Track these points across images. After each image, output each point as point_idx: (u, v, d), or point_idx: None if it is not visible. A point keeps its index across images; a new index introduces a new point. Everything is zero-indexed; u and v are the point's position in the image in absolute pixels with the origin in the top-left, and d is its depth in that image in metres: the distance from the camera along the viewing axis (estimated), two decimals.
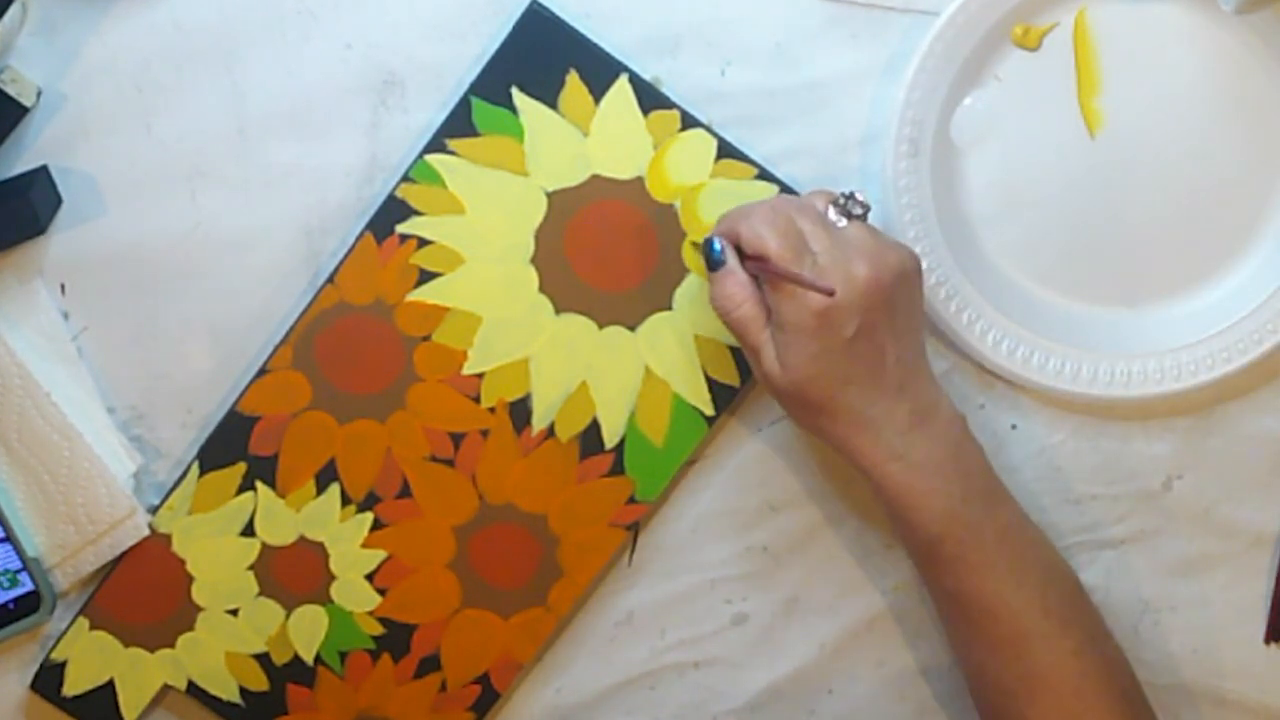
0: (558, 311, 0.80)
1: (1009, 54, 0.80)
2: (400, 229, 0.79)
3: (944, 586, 0.75)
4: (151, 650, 0.81)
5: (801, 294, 0.71)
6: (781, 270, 0.71)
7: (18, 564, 0.79)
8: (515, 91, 0.79)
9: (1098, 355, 0.81)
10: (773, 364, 0.73)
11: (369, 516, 0.81)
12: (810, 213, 0.74)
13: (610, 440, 0.81)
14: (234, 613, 0.81)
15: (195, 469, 0.80)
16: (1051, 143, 0.80)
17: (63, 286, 0.80)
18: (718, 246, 0.74)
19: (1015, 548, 0.74)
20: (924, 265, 0.79)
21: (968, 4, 0.78)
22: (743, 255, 0.74)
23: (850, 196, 0.75)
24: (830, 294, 0.70)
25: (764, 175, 0.79)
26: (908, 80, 0.78)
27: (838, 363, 0.72)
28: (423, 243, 0.79)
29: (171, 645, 0.81)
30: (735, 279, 0.74)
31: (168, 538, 0.81)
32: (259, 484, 0.80)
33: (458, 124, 0.79)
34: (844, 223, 0.74)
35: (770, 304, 0.73)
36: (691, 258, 0.80)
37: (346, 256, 0.79)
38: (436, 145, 0.79)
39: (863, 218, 0.75)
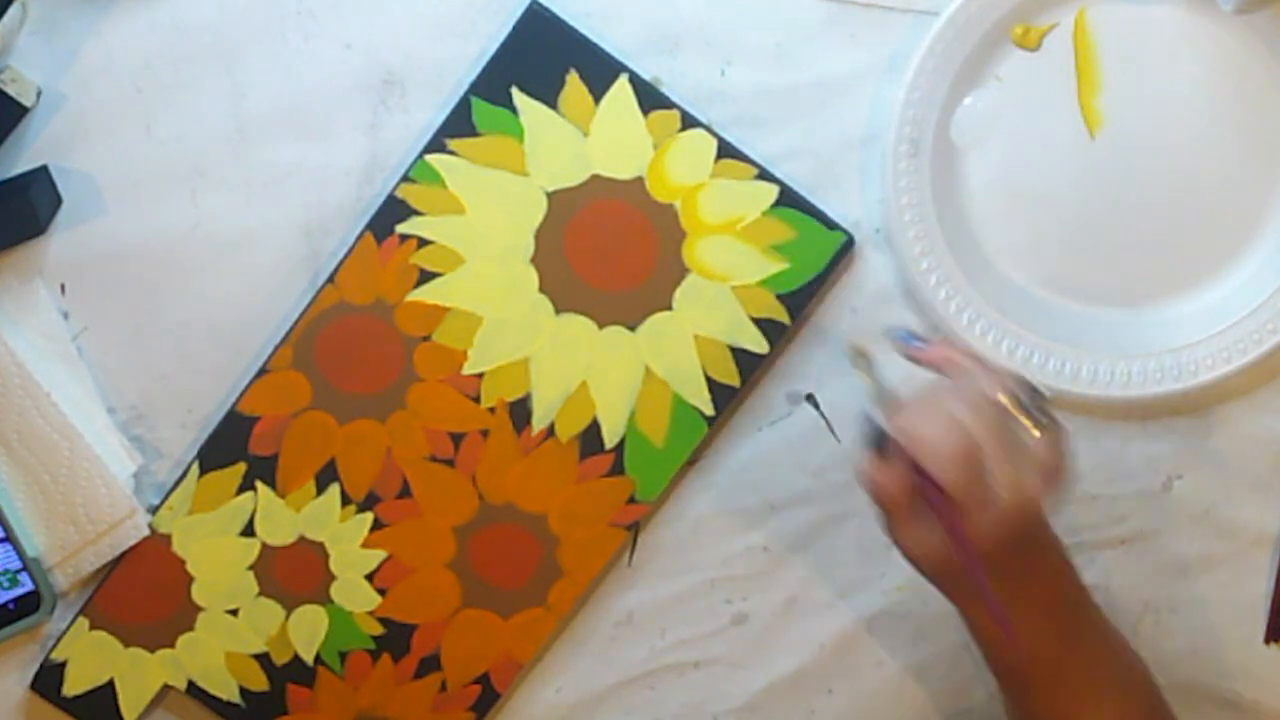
0: (558, 311, 0.80)
1: (1009, 54, 0.80)
2: (400, 229, 0.79)
3: (1024, 706, 0.73)
4: (151, 650, 0.81)
5: (977, 511, 0.67)
6: (955, 532, 0.68)
7: (18, 564, 0.79)
8: (515, 91, 0.79)
9: (1098, 355, 0.81)
10: (915, 545, 0.70)
11: (369, 516, 0.81)
12: (987, 412, 0.68)
13: (610, 440, 0.81)
14: (234, 613, 0.81)
15: (195, 469, 0.80)
16: (1052, 143, 0.80)
17: (63, 286, 0.80)
18: (878, 433, 0.70)
19: (1098, 672, 0.72)
20: (924, 265, 0.80)
21: (968, 4, 0.78)
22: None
23: (1036, 395, 0.70)
24: (1011, 636, 0.69)
25: (764, 175, 0.79)
26: (908, 80, 0.78)
27: (998, 560, 0.69)
28: (423, 243, 0.79)
29: (171, 645, 0.81)
30: (893, 472, 0.69)
31: (168, 538, 0.81)
32: (259, 484, 0.80)
33: (458, 124, 0.79)
34: (1027, 431, 0.69)
35: (927, 509, 0.69)
36: (692, 257, 0.80)
37: (346, 256, 0.79)
38: (436, 145, 0.79)
39: (1049, 427, 0.69)
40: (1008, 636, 0.69)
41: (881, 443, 0.70)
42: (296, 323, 0.80)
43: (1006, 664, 0.73)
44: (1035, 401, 0.70)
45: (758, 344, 0.80)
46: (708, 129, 0.79)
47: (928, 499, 0.69)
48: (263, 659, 0.82)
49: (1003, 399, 0.70)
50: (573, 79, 0.79)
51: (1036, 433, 0.69)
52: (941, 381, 0.72)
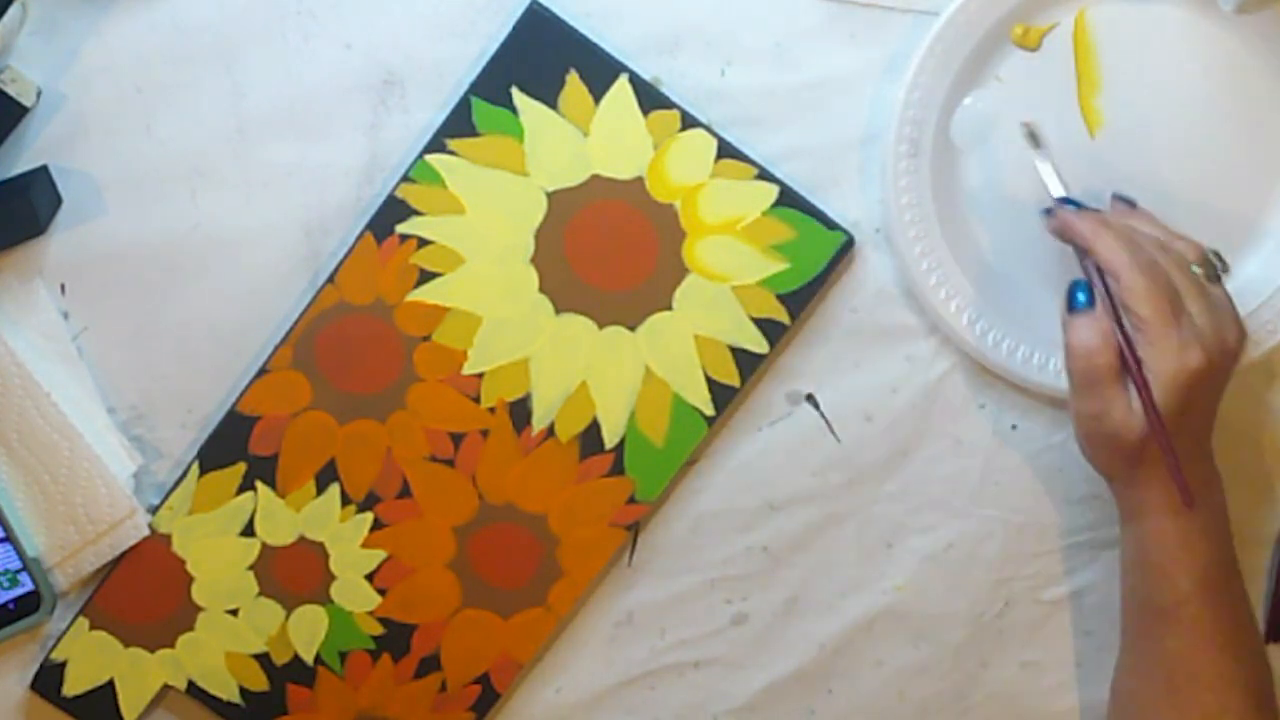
0: (558, 311, 0.80)
1: (1009, 54, 0.80)
2: (400, 229, 0.79)
3: (1166, 646, 0.74)
4: (151, 650, 0.81)
5: (1182, 350, 0.70)
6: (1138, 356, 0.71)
7: (18, 564, 0.79)
8: (515, 91, 0.79)
9: None
10: (1126, 415, 0.71)
11: (369, 516, 0.81)
12: (1183, 267, 0.73)
13: (610, 440, 0.81)
14: (234, 613, 0.81)
15: (195, 469, 0.80)
16: (1052, 142, 0.80)
17: (63, 286, 0.80)
18: (1084, 290, 0.73)
19: (1242, 626, 0.75)
20: (924, 265, 0.80)
21: (968, 4, 0.78)
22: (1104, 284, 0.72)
23: (1218, 255, 0.74)
24: (1189, 499, 0.71)
25: (764, 175, 0.79)
26: (908, 80, 0.78)
27: (1185, 421, 0.71)
28: (423, 243, 0.79)
29: (171, 645, 0.81)
30: (1099, 326, 0.72)
31: (168, 538, 0.81)
32: (259, 484, 0.80)
33: (458, 124, 0.79)
34: (1207, 282, 0.73)
35: (1141, 353, 0.71)
36: (692, 257, 0.80)
37: (346, 256, 0.79)
38: (436, 145, 0.79)
39: (1220, 280, 0.74)
40: (1186, 503, 0.70)
41: (1079, 306, 0.72)
42: (296, 323, 0.80)
43: (1176, 592, 0.73)
44: (1220, 270, 0.74)
45: (758, 344, 0.80)
46: (708, 129, 0.79)
47: (1122, 352, 0.71)
48: (263, 659, 0.82)
49: (1187, 254, 0.73)
50: (573, 79, 0.79)
51: (1206, 280, 0.73)
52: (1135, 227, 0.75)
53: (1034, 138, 0.77)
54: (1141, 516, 0.74)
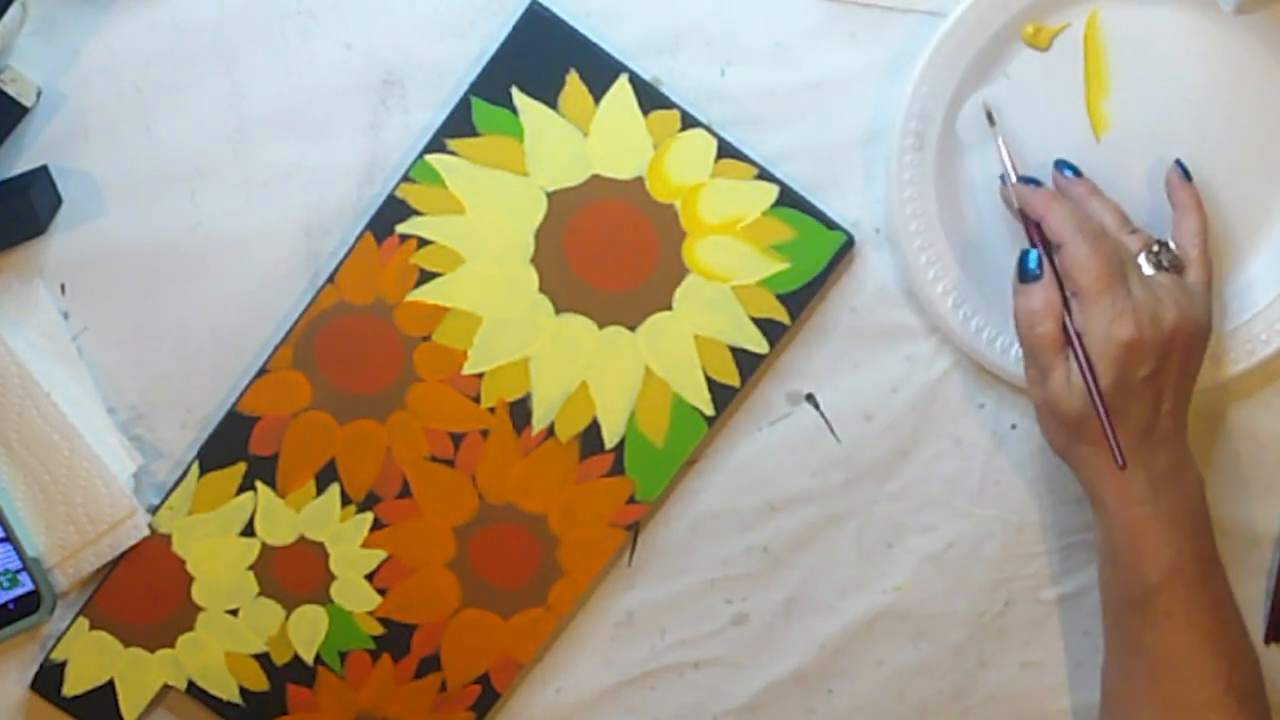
0: (558, 311, 0.80)
1: (1019, 52, 0.80)
2: (400, 229, 0.79)
3: (1142, 640, 0.74)
4: (151, 650, 0.81)
5: (1114, 319, 0.71)
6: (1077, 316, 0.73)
7: (18, 564, 0.79)
8: (515, 91, 0.79)
9: None
10: (1062, 386, 0.73)
11: (369, 516, 0.81)
12: (1127, 253, 0.75)
13: (610, 440, 0.81)
14: (234, 613, 0.81)
15: (195, 469, 0.80)
16: (1057, 143, 0.80)
17: (63, 286, 0.80)
18: (1035, 259, 0.75)
19: (1221, 616, 0.75)
20: (923, 260, 0.80)
21: (979, 2, 0.78)
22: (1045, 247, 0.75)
23: (1164, 246, 0.75)
24: (1121, 458, 0.72)
25: (764, 175, 0.79)
26: (917, 74, 0.78)
27: (1122, 398, 0.72)
28: (423, 243, 0.79)
29: (171, 645, 0.81)
30: (1047, 295, 0.74)
31: (168, 538, 0.81)
32: (259, 484, 0.80)
33: (458, 124, 0.79)
34: (1151, 272, 0.75)
35: (1076, 321, 0.73)
36: (692, 257, 0.80)
37: (346, 256, 0.79)
38: (436, 145, 0.79)
39: (1173, 273, 0.75)
40: (1120, 463, 0.71)
41: (1029, 274, 0.74)
42: (296, 323, 0.80)
43: (1145, 584, 0.73)
44: (1168, 262, 0.75)
45: (758, 344, 0.80)
46: (708, 129, 0.79)
47: (1068, 321, 0.73)
48: (263, 659, 0.82)
49: (1131, 245, 0.75)
50: (573, 79, 0.79)
51: (1151, 270, 0.75)
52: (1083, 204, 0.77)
53: (990, 116, 0.79)
54: (1104, 505, 0.74)
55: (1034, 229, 0.76)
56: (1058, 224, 0.74)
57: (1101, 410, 0.72)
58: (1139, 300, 0.72)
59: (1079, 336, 0.73)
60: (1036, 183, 0.77)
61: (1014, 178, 0.78)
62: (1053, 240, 0.74)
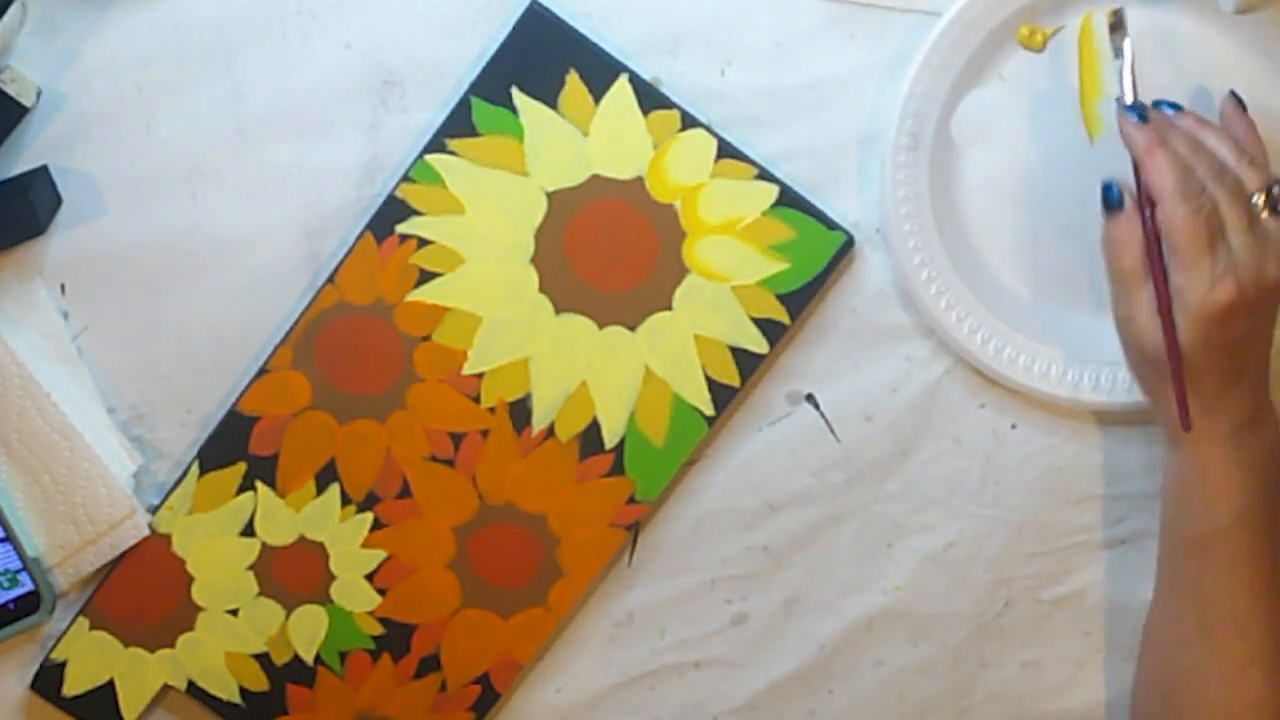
0: (558, 311, 0.80)
1: (1013, 53, 0.80)
2: (400, 229, 0.79)
3: (1200, 586, 0.73)
4: (151, 650, 0.81)
5: (1214, 283, 0.69)
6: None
7: (18, 564, 0.79)
8: (515, 91, 0.79)
9: (1097, 362, 0.80)
10: (1146, 321, 0.72)
11: (369, 516, 0.81)
12: (1239, 198, 0.71)
13: (610, 440, 0.81)
14: (234, 613, 0.81)
15: (195, 469, 0.80)
16: (1051, 145, 0.80)
17: (63, 286, 0.80)
18: (1115, 191, 0.73)
19: None
20: (917, 261, 0.79)
21: (974, 2, 0.78)
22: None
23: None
24: (1186, 423, 0.71)
25: (764, 175, 0.79)
26: (911, 74, 0.78)
27: (1211, 354, 0.71)
28: (423, 243, 0.79)
29: (171, 645, 0.81)
30: (1128, 228, 0.72)
31: (168, 538, 0.81)
32: (259, 484, 0.80)
33: (458, 124, 0.79)
34: (1266, 214, 0.72)
35: (1173, 279, 0.71)
36: (692, 257, 0.80)
37: (346, 256, 0.79)
38: (436, 145, 0.79)
39: None
40: (1184, 426, 0.70)
41: (1111, 205, 0.73)
42: (296, 323, 0.80)
43: (1213, 527, 0.72)
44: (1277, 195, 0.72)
45: (758, 344, 0.80)
46: (708, 129, 0.79)
47: (1150, 260, 0.71)
48: (263, 659, 0.82)
49: (1248, 184, 0.72)
50: (573, 79, 0.79)
51: (1266, 213, 0.72)
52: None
53: (1117, 25, 0.75)
54: (1180, 443, 0.73)
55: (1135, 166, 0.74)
56: (1153, 178, 0.71)
57: (1176, 370, 0.70)
58: (1240, 259, 0.70)
59: (1165, 279, 0.71)
60: (1144, 116, 0.74)
61: (1130, 98, 0.74)
62: (1150, 193, 0.72)
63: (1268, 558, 0.73)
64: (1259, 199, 0.72)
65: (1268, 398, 0.74)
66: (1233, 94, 0.76)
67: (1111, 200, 0.73)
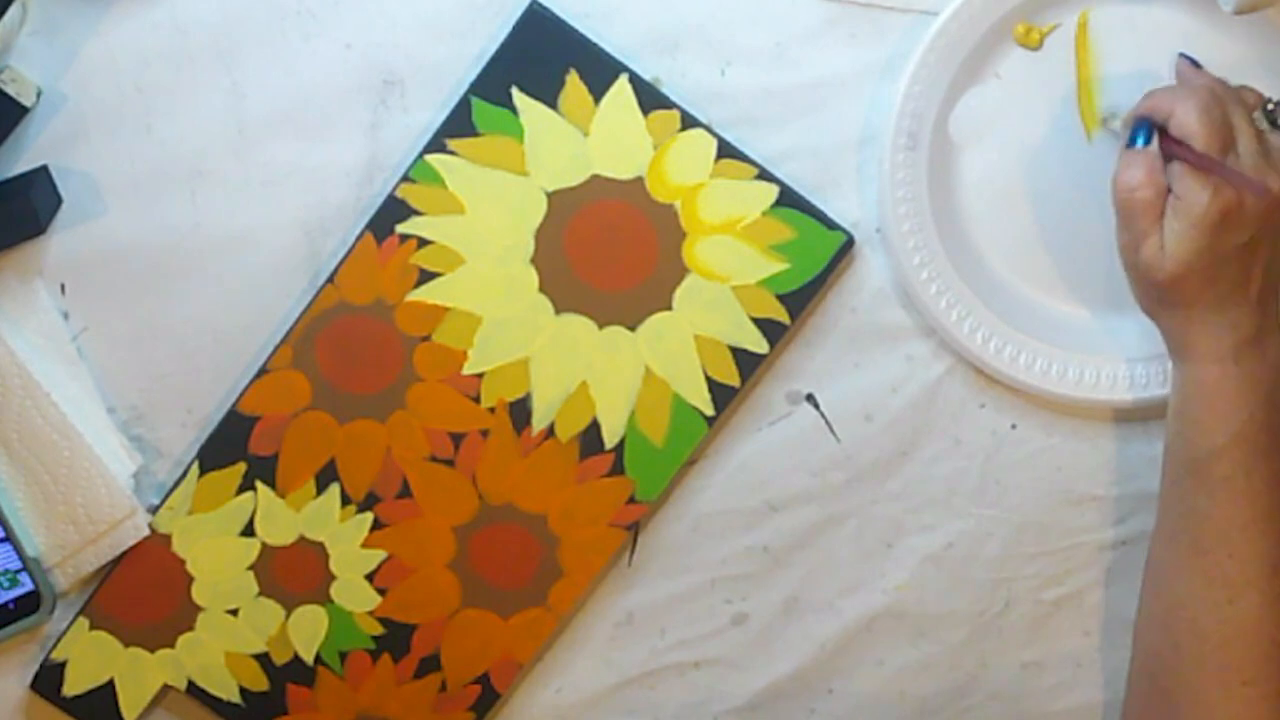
0: (558, 311, 0.80)
1: (1010, 52, 0.80)
2: (400, 229, 0.79)
3: (1195, 506, 0.73)
4: (151, 650, 0.81)
5: (1212, 188, 0.71)
6: (1211, 163, 0.71)
7: (18, 564, 0.79)
8: (515, 91, 0.79)
9: (1097, 359, 0.80)
10: (1156, 253, 0.72)
11: (369, 516, 0.81)
12: (1242, 110, 0.73)
13: (610, 440, 0.81)
14: (234, 613, 0.81)
15: (195, 469, 0.80)
16: (1049, 143, 0.80)
17: (63, 286, 0.80)
18: (1146, 130, 0.74)
19: (1278, 493, 0.73)
20: (917, 261, 0.79)
21: (971, 1, 0.78)
22: (1160, 132, 0.74)
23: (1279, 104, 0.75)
24: (1261, 192, 0.71)
25: (764, 175, 0.79)
26: (909, 73, 0.78)
27: (1218, 262, 0.72)
28: (423, 243, 0.79)
29: (171, 645, 0.81)
30: (1151, 161, 0.73)
31: (168, 538, 0.81)
32: (259, 484, 0.80)
33: (458, 124, 0.79)
34: (1268, 128, 0.74)
35: (1176, 189, 0.72)
36: (692, 257, 0.80)
37: (346, 256, 0.79)
38: (436, 145, 0.79)
39: None
40: (1256, 189, 0.71)
41: (1136, 142, 0.74)
42: (296, 323, 0.80)
43: (1210, 444, 0.72)
44: (1277, 110, 0.74)
45: (758, 344, 0.80)
46: (708, 129, 0.79)
47: (1183, 167, 0.71)
48: (263, 659, 0.82)
49: (1247, 99, 0.74)
50: (573, 79, 0.79)
51: (1267, 126, 0.74)
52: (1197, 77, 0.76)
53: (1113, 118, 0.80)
54: (1185, 359, 0.74)
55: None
56: (1164, 97, 0.73)
57: (1216, 165, 0.71)
58: (1245, 166, 0.71)
59: (1216, 162, 0.72)
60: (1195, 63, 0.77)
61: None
62: (1163, 114, 0.73)
63: (1264, 476, 0.73)
64: (1260, 115, 0.74)
65: (1273, 318, 0.74)
66: (1183, 55, 0.78)
67: (1137, 138, 0.74)
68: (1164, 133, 0.73)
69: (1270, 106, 0.75)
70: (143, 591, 0.81)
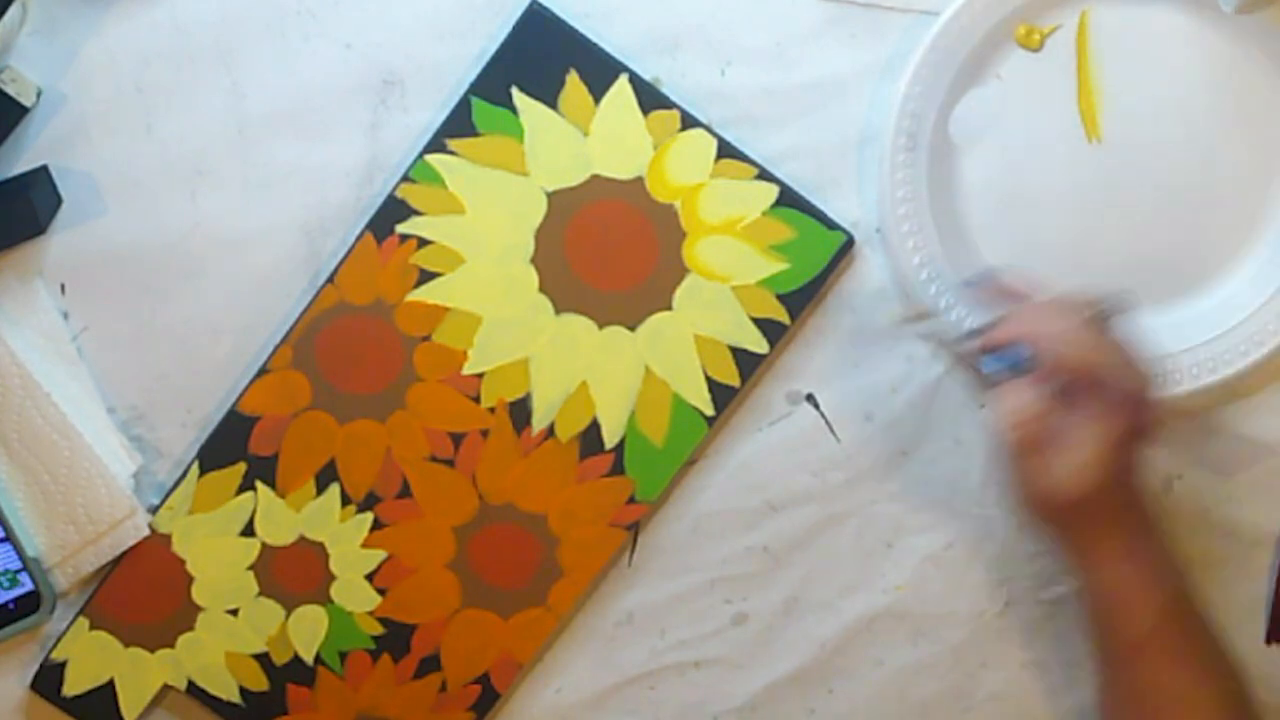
0: (558, 311, 0.80)
1: (1011, 53, 0.80)
2: (400, 229, 0.79)
3: (1142, 675, 0.74)
4: (151, 650, 0.81)
5: (1106, 417, 0.70)
6: (1093, 385, 0.70)
7: (18, 564, 0.79)
8: (515, 91, 0.79)
9: None
10: (1059, 483, 0.71)
11: (369, 516, 0.81)
12: (1090, 316, 0.72)
13: (610, 440, 0.81)
14: (234, 613, 0.81)
15: (195, 469, 0.80)
16: (1050, 144, 0.80)
17: (63, 286, 0.80)
18: (1026, 354, 0.72)
19: (1211, 646, 0.75)
20: (916, 261, 0.79)
21: (972, 2, 0.78)
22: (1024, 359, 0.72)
23: (1109, 302, 0.73)
24: (1150, 393, 0.71)
25: (764, 175, 0.79)
26: (909, 74, 0.78)
27: (1113, 482, 0.71)
28: (423, 243, 0.80)
29: (171, 645, 0.81)
30: (1035, 393, 0.71)
31: (168, 538, 0.81)
32: (259, 484, 0.80)
33: (458, 124, 0.79)
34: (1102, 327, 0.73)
35: (1069, 421, 0.71)
36: (692, 257, 0.80)
37: (346, 256, 0.79)
38: (436, 145, 0.79)
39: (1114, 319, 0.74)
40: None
41: (1021, 369, 0.72)
42: (296, 323, 0.80)
43: (1143, 628, 0.73)
44: (1113, 308, 0.73)
45: (758, 344, 0.80)
46: (708, 129, 0.79)
47: (1071, 398, 0.70)
48: (263, 659, 0.82)
49: (1088, 309, 0.73)
50: (573, 79, 0.79)
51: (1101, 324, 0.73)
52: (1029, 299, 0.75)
53: (920, 317, 0.80)
54: (1097, 566, 0.74)
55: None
56: (1021, 324, 0.73)
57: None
58: (1124, 390, 0.71)
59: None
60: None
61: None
62: (1026, 340, 0.72)
63: (1198, 640, 0.74)
64: (1099, 311, 0.73)
65: (1147, 505, 0.74)
66: (979, 275, 0.78)
67: (1022, 364, 0.72)
68: (1028, 359, 0.72)
69: (1102, 304, 0.73)
70: (143, 591, 0.81)
